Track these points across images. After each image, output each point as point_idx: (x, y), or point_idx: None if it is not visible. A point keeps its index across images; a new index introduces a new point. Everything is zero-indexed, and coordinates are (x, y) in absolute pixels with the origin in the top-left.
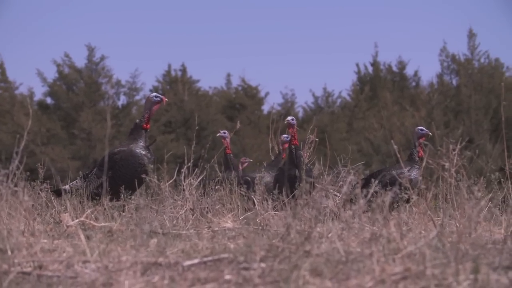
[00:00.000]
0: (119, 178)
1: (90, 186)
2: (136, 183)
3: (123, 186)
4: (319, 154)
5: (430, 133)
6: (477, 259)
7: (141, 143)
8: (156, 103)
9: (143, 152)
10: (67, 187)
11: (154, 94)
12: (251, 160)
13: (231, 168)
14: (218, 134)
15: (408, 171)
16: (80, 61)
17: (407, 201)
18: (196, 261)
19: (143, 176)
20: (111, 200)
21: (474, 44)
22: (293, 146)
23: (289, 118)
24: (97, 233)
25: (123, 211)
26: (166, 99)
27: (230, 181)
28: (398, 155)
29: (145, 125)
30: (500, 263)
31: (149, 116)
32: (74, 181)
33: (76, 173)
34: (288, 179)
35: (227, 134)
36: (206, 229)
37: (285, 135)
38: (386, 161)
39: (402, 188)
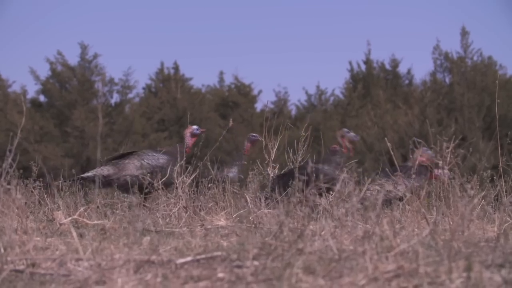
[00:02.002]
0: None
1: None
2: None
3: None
4: (312, 152)
5: None
6: (470, 257)
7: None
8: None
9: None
10: (90, 174)
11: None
12: (245, 162)
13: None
14: (253, 138)
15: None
16: (73, 59)
17: (401, 199)
18: (189, 259)
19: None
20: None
21: (467, 42)
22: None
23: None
24: (90, 231)
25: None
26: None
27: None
28: (392, 153)
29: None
30: (493, 261)
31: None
32: (99, 169)
33: (69, 171)
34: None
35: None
36: (199, 227)
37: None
38: (379, 159)
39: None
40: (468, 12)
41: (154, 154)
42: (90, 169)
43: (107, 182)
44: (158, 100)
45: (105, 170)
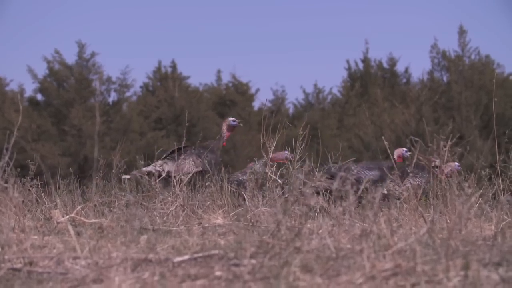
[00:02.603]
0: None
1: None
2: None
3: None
4: (310, 151)
5: None
6: (467, 255)
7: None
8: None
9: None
10: (151, 169)
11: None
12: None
13: None
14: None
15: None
16: (70, 58)
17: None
18: (186, 257)
19: None
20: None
21: (465, 40)
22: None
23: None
24: (88, 230)
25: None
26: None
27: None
28: (389, 152)
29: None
30: (491, 259)
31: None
32: (158, 164)
33: (66, 170)
34: None
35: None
36: (196, 225)
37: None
38: (377, 158)
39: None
40: (466, 11)
41: (207, 153)
42: (87, 168)
43: (167, 178)
44: (155, 99)
45: (166, 166)
